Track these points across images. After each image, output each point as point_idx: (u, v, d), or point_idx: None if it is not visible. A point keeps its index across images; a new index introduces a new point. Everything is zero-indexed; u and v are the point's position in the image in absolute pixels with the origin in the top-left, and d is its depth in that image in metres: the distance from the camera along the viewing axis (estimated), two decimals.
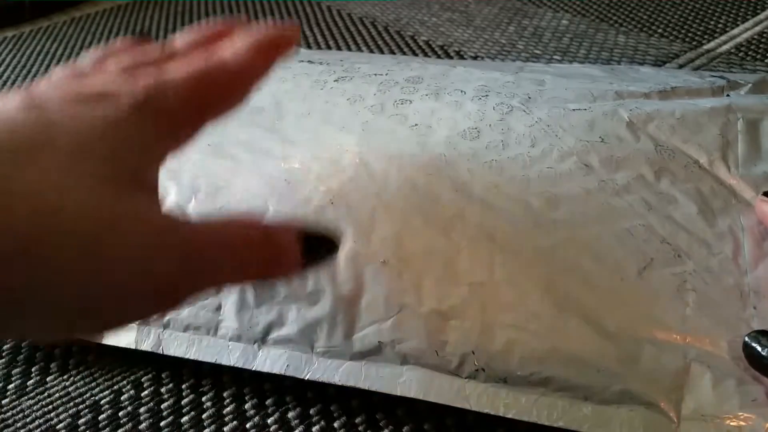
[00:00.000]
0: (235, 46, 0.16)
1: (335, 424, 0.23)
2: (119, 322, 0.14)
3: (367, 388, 0.22)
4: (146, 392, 0.25)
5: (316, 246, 0.17)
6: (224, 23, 0.18)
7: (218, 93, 0.16)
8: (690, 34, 0.47)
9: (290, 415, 0.24)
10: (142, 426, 0.24)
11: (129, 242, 0.13)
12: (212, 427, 0.23)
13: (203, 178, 0.26)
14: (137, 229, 0.13)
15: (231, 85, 0.16)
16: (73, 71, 0.16)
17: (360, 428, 0.23)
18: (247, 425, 0.23)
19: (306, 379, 0.22)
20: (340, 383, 0.22)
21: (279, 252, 0.16)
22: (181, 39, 0.18)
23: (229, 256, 0.15)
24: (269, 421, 0.23)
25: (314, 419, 0.23)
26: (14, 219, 0.11)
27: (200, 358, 0.24)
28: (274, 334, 0.23)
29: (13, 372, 0.26)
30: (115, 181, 0.13)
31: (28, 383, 0.26)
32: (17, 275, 0.11)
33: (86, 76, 0.15)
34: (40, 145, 0.13)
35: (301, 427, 0.23)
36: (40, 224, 0.12)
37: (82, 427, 0.24)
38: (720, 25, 0.48)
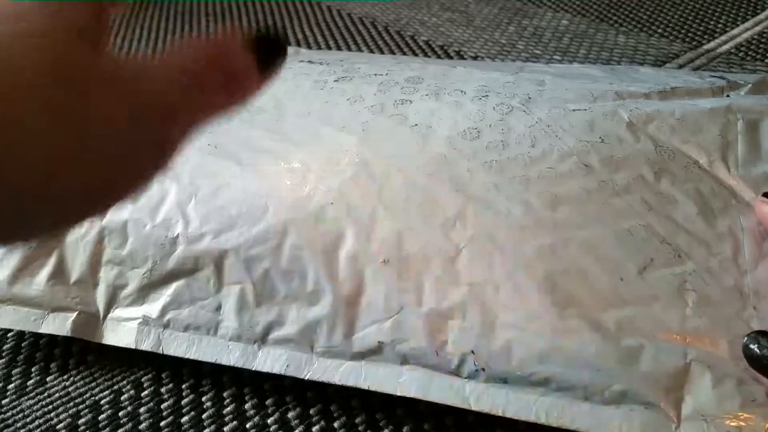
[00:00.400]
0: None
1: (335, 424, 0.23)
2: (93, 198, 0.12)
3: (367, 388, 0.22)
4: (146, 392, 0.25)
5: (265, 51, 0.15)
6: None
7: None
8: (690, 34, 0.47)
9: (290, 415, 0.24)
10: (142, 426, 0.24)
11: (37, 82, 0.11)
12: (212, 427, 0.23)
13: (203, 178, 0.26)
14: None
15: None
16: None
17: (360, 428, 0.23)
18: (247, 425, 0.23)
19: (306, 379, 0.22)
20: (340, 383, 0.22)
21: (230, 67, 0.14)
22: None
23: (180, 91, 0.13)
24: (269, 421, 0.23)
25: (314, 419, 0.23)
26: None
27: (200, 358, 0.24)
28: (274, 334, 0.23)
29: (13, 372, 0.26)
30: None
31: (28, 383, 0.26)
32: None
33: None
34: None
35: (301, 427, 0.23)
36: None
37: (82, 427, 0.24)
38: (720, 25, 0.48)
